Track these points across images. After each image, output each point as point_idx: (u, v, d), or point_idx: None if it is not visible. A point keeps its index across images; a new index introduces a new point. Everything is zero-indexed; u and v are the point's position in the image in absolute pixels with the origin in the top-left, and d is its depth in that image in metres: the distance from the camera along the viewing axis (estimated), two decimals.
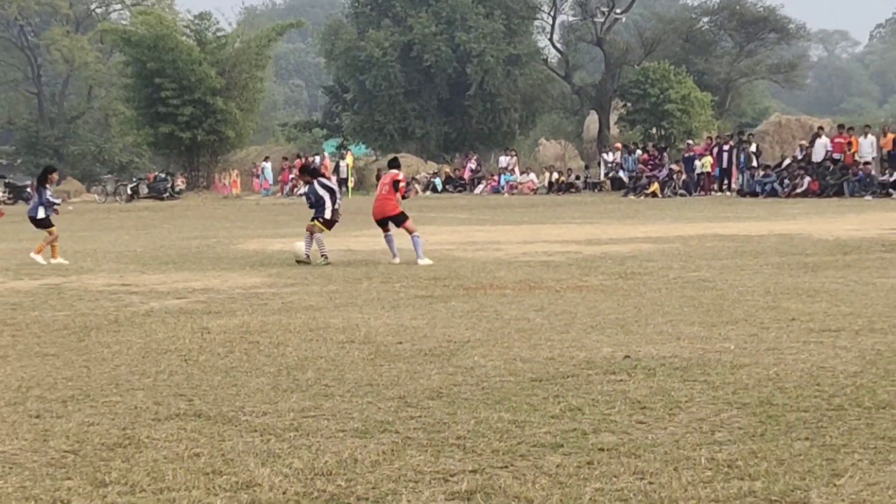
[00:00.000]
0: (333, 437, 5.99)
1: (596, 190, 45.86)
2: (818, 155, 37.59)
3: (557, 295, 11.97)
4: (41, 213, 17.94)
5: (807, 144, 39.49)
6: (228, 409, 6.69)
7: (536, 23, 63.67)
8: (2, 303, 12.35)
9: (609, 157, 47.04)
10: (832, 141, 37.83)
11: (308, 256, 16.43)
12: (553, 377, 7.46)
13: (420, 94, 59.38)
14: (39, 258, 17.16)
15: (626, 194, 41.68)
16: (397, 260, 16.37)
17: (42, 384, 7.63)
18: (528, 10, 61.52)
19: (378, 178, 50.73)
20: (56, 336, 9.81)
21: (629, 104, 54.33)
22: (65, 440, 6.06)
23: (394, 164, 17.92)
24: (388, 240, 16.77)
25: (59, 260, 17.18)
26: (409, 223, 16.69)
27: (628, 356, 8.14)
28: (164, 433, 6.15)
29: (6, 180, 55.79)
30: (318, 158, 51.59)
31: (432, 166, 54.53)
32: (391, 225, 16.84)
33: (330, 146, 62.38)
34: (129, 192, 49.67)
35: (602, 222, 25.70)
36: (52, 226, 17.76)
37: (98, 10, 75.75)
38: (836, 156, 37.15)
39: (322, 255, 16.49)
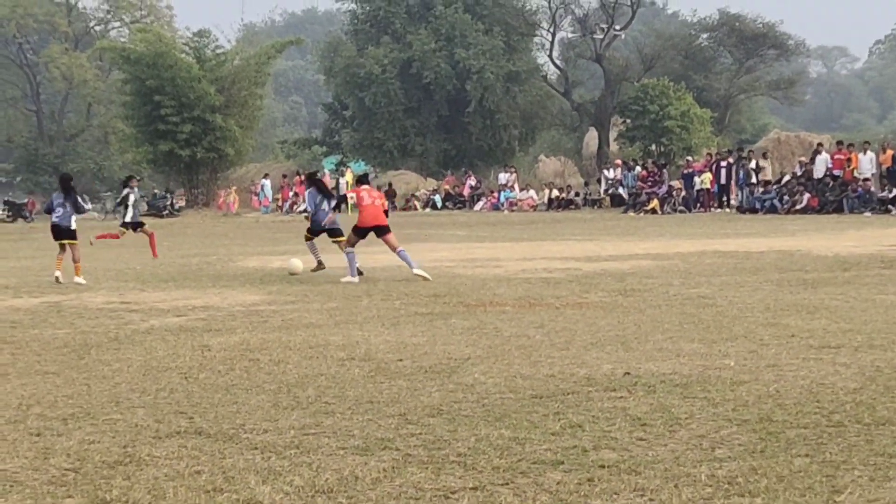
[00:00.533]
0: (334, 455, 6.00)
1: (595, 206, 45.88)
2: (819, 171, 37.62)
3: (557, 312, 11.98)
4: (74, 224, 17.47)
5: (806, 161, 39.54)
6: (229, 427, 6.69)
7: (536, 39, 63.87)
8: (1, 320, 12.35)
9: (610, 173, 47.08)
10: (832, 157, 37.88)
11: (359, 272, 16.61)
12: (553, 394, 7.46)
13: (419, 111, 59.48)
14: (81, 279, 16.65)
15: (625, 211, 41.71)
16: (355, 279, 16.17)
17: (42, 402, 7.63)
18: (528, 26, 61.68)
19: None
20: (56, 354, 9.81)
21: (628, 120, 54.38)
22: (65, 458, 6.06)
23: (365, 179, 18.20)
24: (351, 258, 16.61)
25: (58, 274, 16.94)
26: (392, 237, 16.83)
27: (628, 373, 8.14)
28: (164, 451, 6.15)
29: (6, 198, 55.89)
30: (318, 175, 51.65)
31: (432, 183, 54.59)
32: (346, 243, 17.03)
33: (329, 163, 62.48)
34: None
35: (602, 239, 25.71)
36: (76, 239, 17.38)
37: (97, 28, 75.81)
38: (835, 172, 37.21)
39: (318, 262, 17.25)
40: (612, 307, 12.28)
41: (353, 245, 16.77)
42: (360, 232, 16.99)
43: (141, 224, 23.49)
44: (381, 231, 16.91)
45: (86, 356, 9.63)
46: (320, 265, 17.37)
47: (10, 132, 73.62)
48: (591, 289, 14.27)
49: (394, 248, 16.71)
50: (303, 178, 50.41)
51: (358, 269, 16.63)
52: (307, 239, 17.79)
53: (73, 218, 17.49)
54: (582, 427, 6.48)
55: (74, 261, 16.99)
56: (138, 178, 26.53)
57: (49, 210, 17.94)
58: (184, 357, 9.40)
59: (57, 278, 16.78)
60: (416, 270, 16.06)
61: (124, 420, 6.97)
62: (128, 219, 23.40)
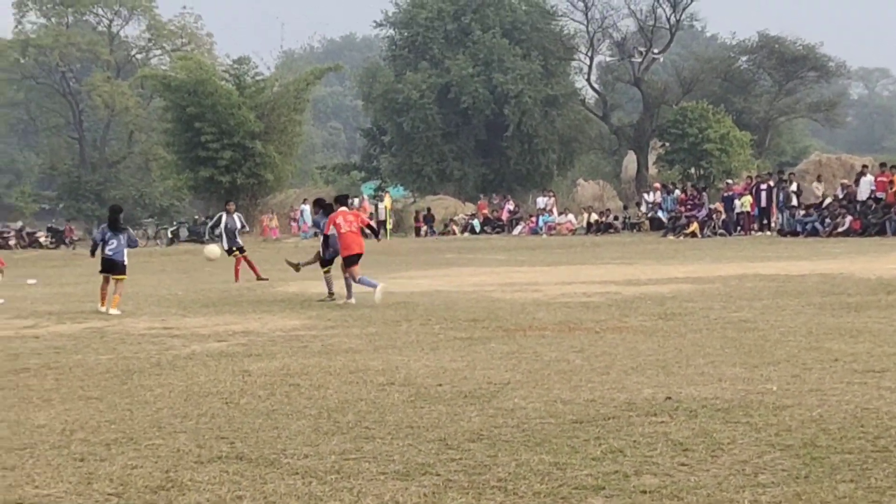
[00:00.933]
0: (374, 480, 6.00)
1: (635, 230, 45.73)
2: (863, 193, 37.26)
3: (597, 336, 11.94)
4: (126, 258, 17.27)
5: (848, 183, 39.23)
6: (270, 452, 6.72)
7: (574, 63, 63.88)
8: (46, 346, 12.47)
9: (649, 197, 46.95)
10: (875, 179, 37.52)
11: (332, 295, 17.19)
12: (594, 419, 7.43)
13: (458, 136, 59.58)
14: (117, 310, 16.33)
15: (665, 234, 41.52)
16: (379, 285, 16.49)
17: (86, 427, 7.69)
18: (566, 51, 61.72)
19: (416, 219, 51.18)
20: (99, 379, 9.89)
21: (667, 144, 54.21)
22: (109, 483, 6.10)
23: (344, 201, 18.28)
24: (364, 280, 16.86)
25: (103, 309, 16.62)
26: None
27: (670, 397, 8.10)
28: (206, 476, 6.18)
29: (49, 225, 56.48)
30: (356, 201, 51.86)
31: (470, 208, 54.63)
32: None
33: (368, 188, 62.67)
34: (169, 235, 50.10)
35: (641, 263, 25.61)
36: (126, 274, 17.16)
37: (138, 56, 76.54)
38: (878, 194, 36.85)
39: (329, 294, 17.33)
40: (652, 331, 12.22)
41: (356, 273, 16.97)
42: (351, 261, 17.05)
43: (240, 249, 23.72)
44: (359, 258, 17.12)
45: (128, 381, 9.70)
46: (331, 296, 17.36)
47: (54, 160, 74.49)
48: (631, 313, 14.21)
49: (349, 273, 17.04)
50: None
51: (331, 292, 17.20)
52: (326, 272, 17.76)
53: (126, 252, 17.29)
54: (623, 452, 6.45)
55: (116, 293, 16.86)
56: (235, 202, 26.50)
57: (97, 244, 17.60)
58: (225, 382, 9.45)
59: (106, 310, 16.48)
60: (352, 300, 16.54)
61: (166, 445, 7.01)
62: (225, 245, 23.69)
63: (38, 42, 71.33)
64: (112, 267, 17.07)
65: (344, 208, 17.67)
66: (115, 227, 17.29)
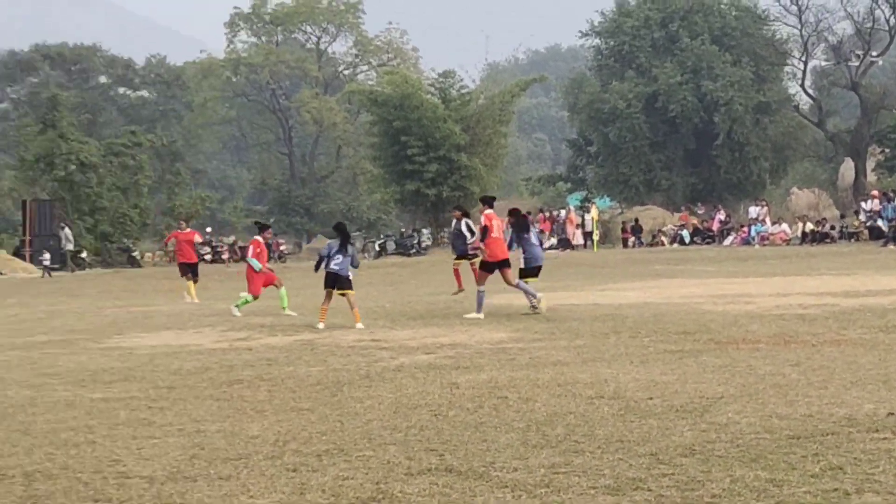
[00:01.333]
0: (585, 494, 5.91)
1: (852, 240, 44.03)
2: None
3: (814, 349, 11.51)
4: (352, 274, 17.44)
5: None
6: (479, 465, 6.71)
7: (787, 69, 62.10)
8: (258, 358, 12.86)
9: (867, 205, 45.11)
10: None
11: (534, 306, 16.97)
12: (812, 435, 7.16)
13: (665, 145, 58.79)
14: (361, 324, 16.42)
15: (885, 244, 39.78)
16: (480, 315, 16.83)
17: (298, 438, 7.86)
18: (778, 56, 60.06)
19: (624, 230, 50.63)
20: (310, 391, 10.11)
21: (888, 150, 52.01)
22: (321, 494, 6.21)
23: (491, 202, 18.28)
24: (481, 297, 17.16)
25: (322, 325, 16.59)
26: (511, 272, 17.08)
27: (892, 413, 7.75)
28: (416, 488, 6.22)
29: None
30: (563, 212, 51.75)
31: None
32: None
33: (574, 200, 62.46)
34: (377, 248, 51.15)
35: (860, 273, 24.60)
36: (352, 288, 17.29)
37: (346, 72, 78.69)
38: None
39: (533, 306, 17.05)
40: (872, 344, 11.70)
41: (483, 283, 17.18)
42: (490, 267, 17.13)
43: (469, 256, 23.98)
44: (504, 265, 16.97)
45: (338, 393, 9.88)
46: (534, 309, 17.05)
47: (264, 175, 77.37)
48: (850, 325, 13.65)
49: (510, 283, 17.05)
50: (546, 215, 50.66)
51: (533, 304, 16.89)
52: (523, 278, 17.51)
53: (350, 268, 17.40)
54: (843, 469, 6.19)
55: (352, 307, 16.88)
56: (461, 210, 26.66)
57: (322, 258, 17.66)
58: (433, 394, 9.52)
59: (320, 325, 16.61)
60: (541, 304, 16.49)
61: (376, 457, 7.10)
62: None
63: (248, 61, 74.25)
64: (335, 281, 17.20)
65: (491, 211, 17.68)
66: (343, 245, 17.52)
